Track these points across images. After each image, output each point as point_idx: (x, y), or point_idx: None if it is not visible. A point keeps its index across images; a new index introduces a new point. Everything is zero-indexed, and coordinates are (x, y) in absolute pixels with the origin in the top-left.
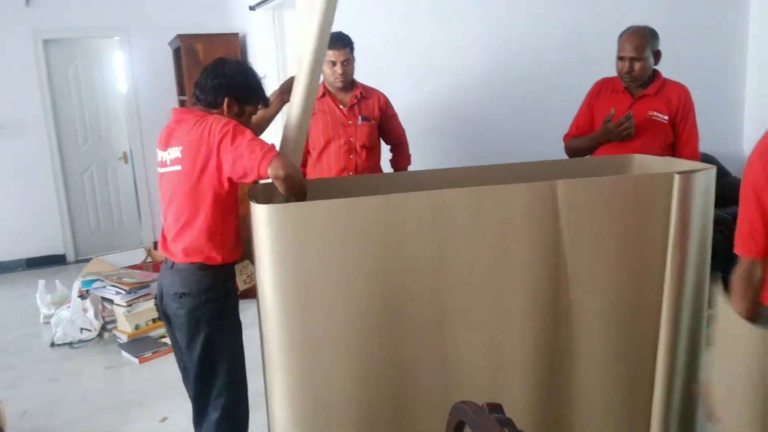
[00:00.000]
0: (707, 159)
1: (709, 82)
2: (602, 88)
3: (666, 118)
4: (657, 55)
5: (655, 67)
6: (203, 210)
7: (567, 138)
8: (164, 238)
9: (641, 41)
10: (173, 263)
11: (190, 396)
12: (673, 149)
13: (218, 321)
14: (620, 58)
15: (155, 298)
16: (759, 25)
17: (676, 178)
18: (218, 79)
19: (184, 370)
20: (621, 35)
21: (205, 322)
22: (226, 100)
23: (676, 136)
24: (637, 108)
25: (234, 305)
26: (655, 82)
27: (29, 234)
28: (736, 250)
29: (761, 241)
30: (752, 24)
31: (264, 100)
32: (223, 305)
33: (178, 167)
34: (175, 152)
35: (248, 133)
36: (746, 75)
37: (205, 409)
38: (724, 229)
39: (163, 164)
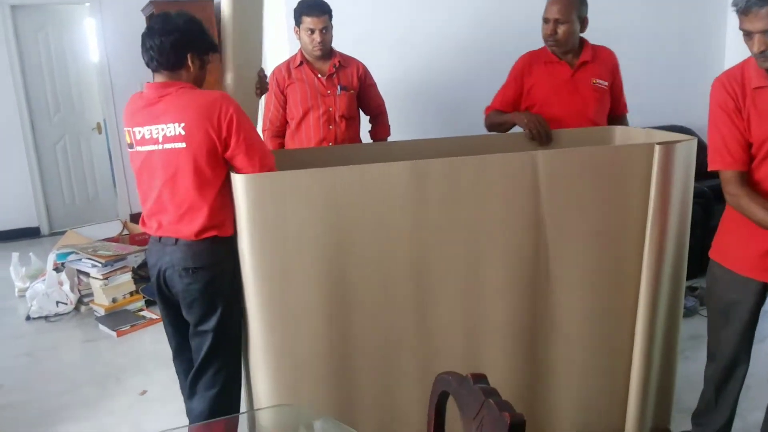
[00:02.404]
0: (687, 131)
1: (689, 54)
2: (532, 62)
3: (606, 83)
4: (584, 22)
5: (582, 36)
6: (214, 186)
7: (489, 110)
8: (152, 216)
9: (567, 3)
10: (176, 239)
11: (180, 370)
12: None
13: (232, 293)
14: (545, 20)
15: (133, 273)
16: None
17: (657, 148)
18: (174, 35)
19: (176, 348)
20: None
21: (222, 295)
22: (189, 56)
23: (612, 95)
24: (579, 77)
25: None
26: (586, 49)
27: (1, 206)
28: (713, 166)
29: (736, 153)
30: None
31: (215, 45)
32: (235, 276)
33: (182, 144)
34: (173, 128)
35: (257, 134)
36: (725, 50)
37: (202, 383)
38: (702, 201)
39: (151, 141)
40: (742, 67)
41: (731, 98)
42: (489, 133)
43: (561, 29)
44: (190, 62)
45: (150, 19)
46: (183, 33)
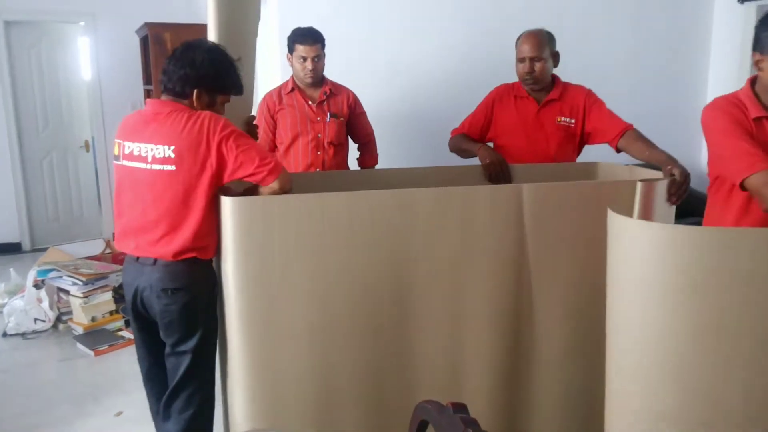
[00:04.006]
0: None
1: (672, 93)
2: (504, 94)
3: (573, 121)
4: (555, 57)
5: (554, 72)
6: (197, 209)
7: (456, 133)
8: (130, 234)
9: (539, 41)
10: (155, 259)
11: (152, 393)
12: (598, 141)
13: (210, 314)
14: (520, 60)
15: (113, 292)
16: (721, 35)
17: (639, 185)
18: (186, 69)
19: (148, 370)
20: (518, 38)
21: (201, 317)
22: (195, 91)
23: (599, 125)
24: (544, 114)
25: (219, 297)
26: (557, 86)
27: None
28: (746, 173)
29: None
30: (715, 34)
31: (237, 88)
32: (213, 298)
33: (171, 167)
34: (162, 150)
35: (250, 138)
36: (707, 88)
37: (176, 405)
38: None
39: (139, 159)
40: (737, 97)
41: (742, 113)
42: (477, 164)
43: (537, 66)
44: (194, 97)
45: (144, 40)
46: (194, 69)
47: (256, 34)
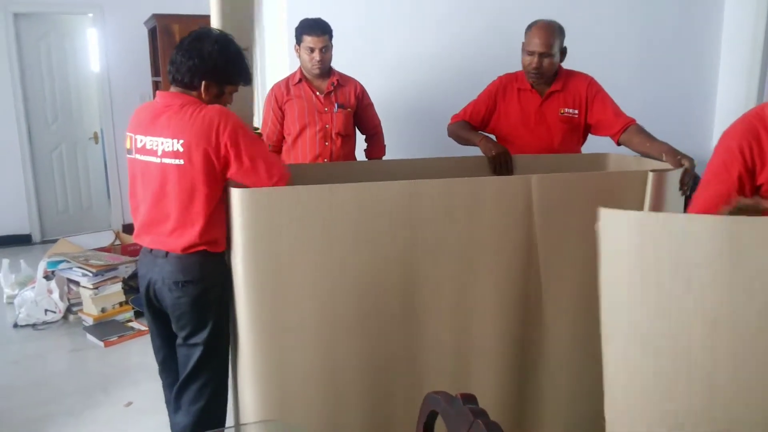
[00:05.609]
0: None
1: (681, 83)
2: (508, 86)
3: (576, 112)
4: (563, 52)
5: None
6: (209, 203)
7: (456, 119)
8: (145, 228)
9: (550, 36)
10: (167, 252)
11: (166, 384)
12: (600, 133)
13: (221, 307)
14: (529, 53)
15: (123, 283)
16: (732, 28)
17: (650, 176)
18: (194, 60)
19: (163, 360)
20: (529, 28)
21: (212, 309)
22: (203, 82)
23: (602, 119)
24: (547, 106)
25: (232, 290)
26: (560, 77)
27: None
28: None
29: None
30: (726, 26)
31: (245, 78)
32: (225, 290)
33: (180, 161)
34: (171, 144)
35: (258, 142)
36: (719, 77)
37: (186, 397)
38: None
39: (150, 152)
40: (761, 115)
41: (756, 142)
42: (482, 154)
43: (546, 62)
44: (203, 89)
45: (152, 32)
46: (202, 60)
47: (253, 22)
